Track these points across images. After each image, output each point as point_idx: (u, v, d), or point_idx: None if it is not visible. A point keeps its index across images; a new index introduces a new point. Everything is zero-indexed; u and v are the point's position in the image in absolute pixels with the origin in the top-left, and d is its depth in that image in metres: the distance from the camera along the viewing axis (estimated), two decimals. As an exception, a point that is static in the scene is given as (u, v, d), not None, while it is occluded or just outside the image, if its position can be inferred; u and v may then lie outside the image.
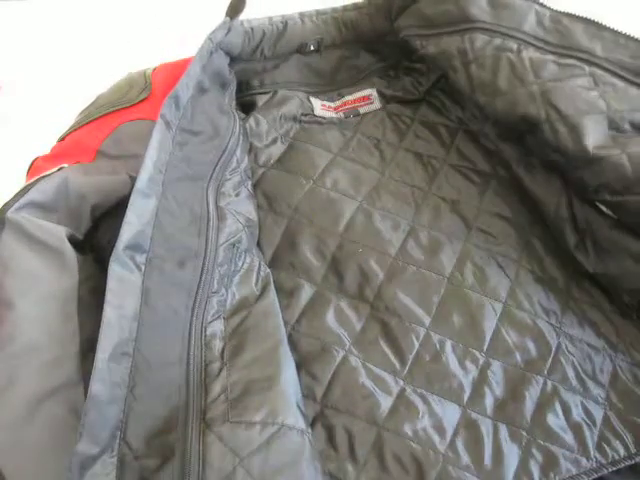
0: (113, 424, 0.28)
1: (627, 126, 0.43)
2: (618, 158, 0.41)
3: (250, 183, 0.46)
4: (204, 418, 0.30)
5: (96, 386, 0.27)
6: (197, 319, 0.34)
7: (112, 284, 0.30)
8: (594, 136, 0.42)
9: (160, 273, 0.34)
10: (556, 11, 0.49)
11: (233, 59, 0.51)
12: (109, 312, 0.29)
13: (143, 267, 0.33)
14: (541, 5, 0.49)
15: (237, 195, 0.43)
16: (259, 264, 0.40)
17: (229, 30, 0.47)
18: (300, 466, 0.29)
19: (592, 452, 0.37)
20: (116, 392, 0.29)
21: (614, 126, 0.43)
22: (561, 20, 0.48)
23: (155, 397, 0.30)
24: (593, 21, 0.48)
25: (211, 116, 0.44)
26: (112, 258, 0.31)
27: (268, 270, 0.41)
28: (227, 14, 0.47)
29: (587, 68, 0.46)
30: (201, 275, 0.36)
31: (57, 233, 0.35)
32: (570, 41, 0.47)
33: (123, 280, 0.31)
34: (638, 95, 0.44)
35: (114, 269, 0.31)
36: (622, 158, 0.41)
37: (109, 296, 0.30)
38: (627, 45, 0.46)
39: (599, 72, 0.46)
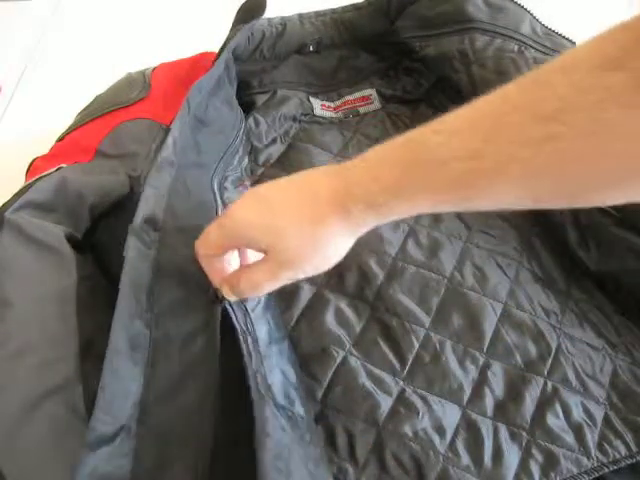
0: (134, 400, 0.28)
1: None
2: None
3: (249, 182, 0.46)
4: None
5: (115, 347, 0.27)
6: None
7: (130, 254, 0.31)
8: None
9: (170, 251, 0.34)
10: (546, 26, 0.51)
11: (234, 59, 0.51)
12: (125, 280, 0.30)
13: (156, 243, 0.33)
14: (533, 16, 0.51)
15: (237, 192, 0.43)
16: None
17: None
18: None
19: (593, 451, 0.37)
20: (134, 369, 0.28)
21: None
22: (550, 33, 0.50)
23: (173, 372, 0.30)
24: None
25: (220, 111, 0.44)
26: (129, 230, 0.31)
27: None
28: (240, 16, 0.47)
29: None
30: None
31: (56, 233, 0.35)
32: (564, 50, 0.48)
33: (139, 252, 0.31)
34: None
35: (131, 241, 0.31)
36: None
37: (127, 266, 0.30)
38: None
39: None
